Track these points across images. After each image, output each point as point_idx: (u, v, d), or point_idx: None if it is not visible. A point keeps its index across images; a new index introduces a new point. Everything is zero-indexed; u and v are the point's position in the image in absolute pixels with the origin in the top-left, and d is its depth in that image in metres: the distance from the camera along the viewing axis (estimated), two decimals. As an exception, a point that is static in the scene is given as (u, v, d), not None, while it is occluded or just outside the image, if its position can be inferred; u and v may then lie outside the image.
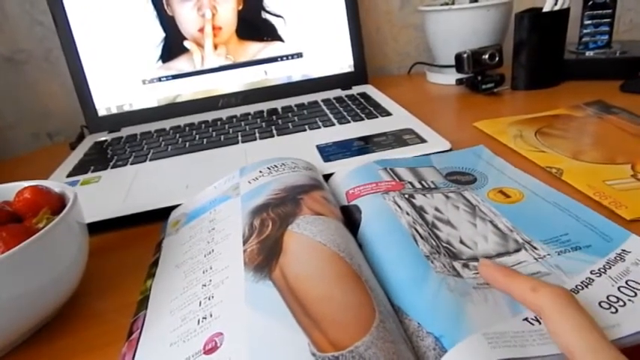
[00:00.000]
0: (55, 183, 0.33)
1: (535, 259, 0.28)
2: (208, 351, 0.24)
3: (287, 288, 0.26)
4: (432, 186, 0.38)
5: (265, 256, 0.29)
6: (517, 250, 0.29)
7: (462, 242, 0.30)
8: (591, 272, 0.26)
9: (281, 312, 0.24)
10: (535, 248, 0.29)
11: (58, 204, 0.31)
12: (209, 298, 0.28)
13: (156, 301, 0.30)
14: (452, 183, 0.38)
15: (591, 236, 0.30)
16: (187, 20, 0.65)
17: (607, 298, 0.24)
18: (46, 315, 0.29)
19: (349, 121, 0.55)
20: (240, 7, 0.66)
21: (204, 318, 0.26)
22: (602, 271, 0.26)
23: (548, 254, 0.28)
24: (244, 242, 0.31)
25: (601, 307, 0.23)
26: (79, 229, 0.30)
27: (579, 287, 0.25)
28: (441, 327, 0.22)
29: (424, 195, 0.36)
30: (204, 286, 0.29)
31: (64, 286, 0.29)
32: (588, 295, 0.24)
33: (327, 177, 0.41)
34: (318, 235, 0.29)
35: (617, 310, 0.23)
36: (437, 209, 0.34)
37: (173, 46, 0.66)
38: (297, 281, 0.26)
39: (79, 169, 0.52)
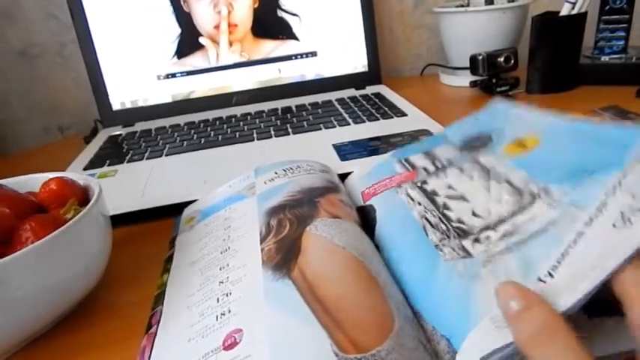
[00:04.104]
0: (79, 175, 0.33)
1: (549, 205, 0.27)
2: (228, 347, 0.24)
3: (307, 288, 0.26)
4: (447, 164, 0.36)
5: (284, 256, 0.29)
6: (531, 203, 0.28)
7: (474, 214, 0.30)
8: (605, 193, 0.24)
9: (302, 310, 0.24)
10: (550, 194, 0.27)
11: (83, 196, 0.31)
12: (227, 295, 0.28)
13: (172, 297, 0.30)
14: (467, 153, 0.37)
15: (609, 152, 0.27)
16: (203, 17, 0.65)
17: (621, 214, 0.22)
18: (69, 306, 0.29)
19: (364, 121, 0.55)
20: (256, 5, 0.66)
21: (223, 314, 0.26)
22: (618, 184, 0.24)
23: (564, 193, 0.27)
24: (261, 241, 0.31)
25: (614, 227, 0.22)
26: (103, 221, 0.30)
27: (592, 218, 0.23)
28: (450, 327, 0.22)
29: (437, 176, 0.35)
30: (222, 282, 0.29)
31: (89, 278, 0.29)
32: (601, 221, 0.23)
33: (343, 176, 0.41)
34: (337, 237, 0.29)
35: (632, 223, 0.22)
36: (449, 187, 0.33)
37: (188, 42, 0.66)
38: (318, 281, 0.26)
39: (96, 162, 0.53)
